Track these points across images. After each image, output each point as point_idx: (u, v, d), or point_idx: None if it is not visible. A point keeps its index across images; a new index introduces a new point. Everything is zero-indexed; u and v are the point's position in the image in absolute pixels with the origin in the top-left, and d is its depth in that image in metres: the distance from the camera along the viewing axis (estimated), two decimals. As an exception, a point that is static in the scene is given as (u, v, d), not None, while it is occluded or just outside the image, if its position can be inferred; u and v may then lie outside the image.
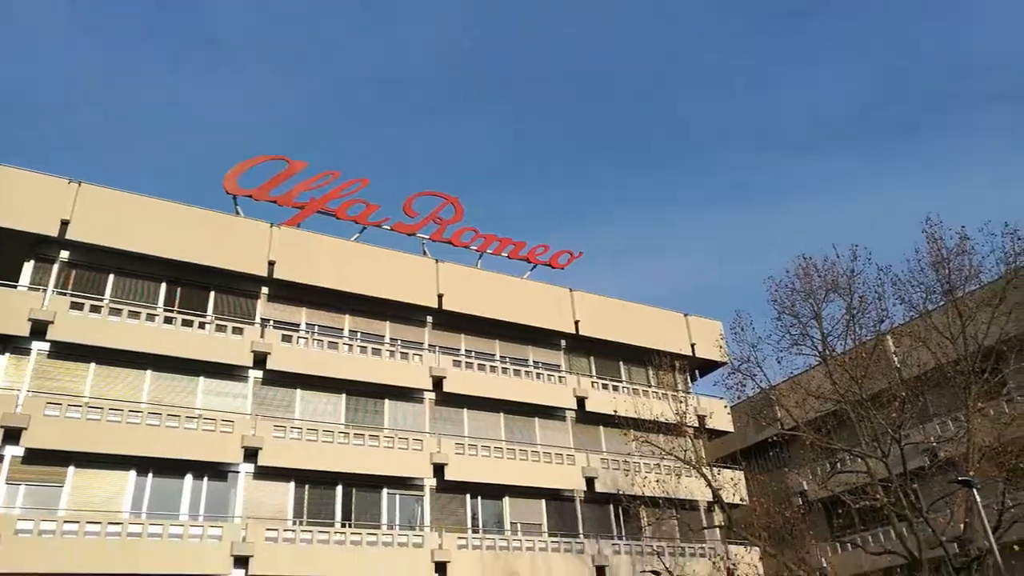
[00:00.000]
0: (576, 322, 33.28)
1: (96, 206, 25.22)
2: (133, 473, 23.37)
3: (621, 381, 34.08)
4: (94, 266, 25.46)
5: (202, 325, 25.99)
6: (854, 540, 26.70)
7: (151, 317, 25.20)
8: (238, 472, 24.82)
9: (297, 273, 27.88)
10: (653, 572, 23.00)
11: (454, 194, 34.57)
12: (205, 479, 24.34)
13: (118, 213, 25.54)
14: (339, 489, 26.29)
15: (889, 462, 20.72)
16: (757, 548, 23.54)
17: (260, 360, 26.30)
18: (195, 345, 25.36)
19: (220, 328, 26.20)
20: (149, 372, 24.95)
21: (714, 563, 25.56)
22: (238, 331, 26.40)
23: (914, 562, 19.77)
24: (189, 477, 24.12)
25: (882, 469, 20.98)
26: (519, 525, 28.92)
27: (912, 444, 22.98)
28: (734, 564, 24.39)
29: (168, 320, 25.51)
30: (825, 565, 27.23)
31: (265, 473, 24.98)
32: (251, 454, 24.64)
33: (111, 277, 25.69)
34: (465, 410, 30.07)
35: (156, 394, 24.76)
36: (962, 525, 20.22)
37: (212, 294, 27.20)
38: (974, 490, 16.73)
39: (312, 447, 25.62)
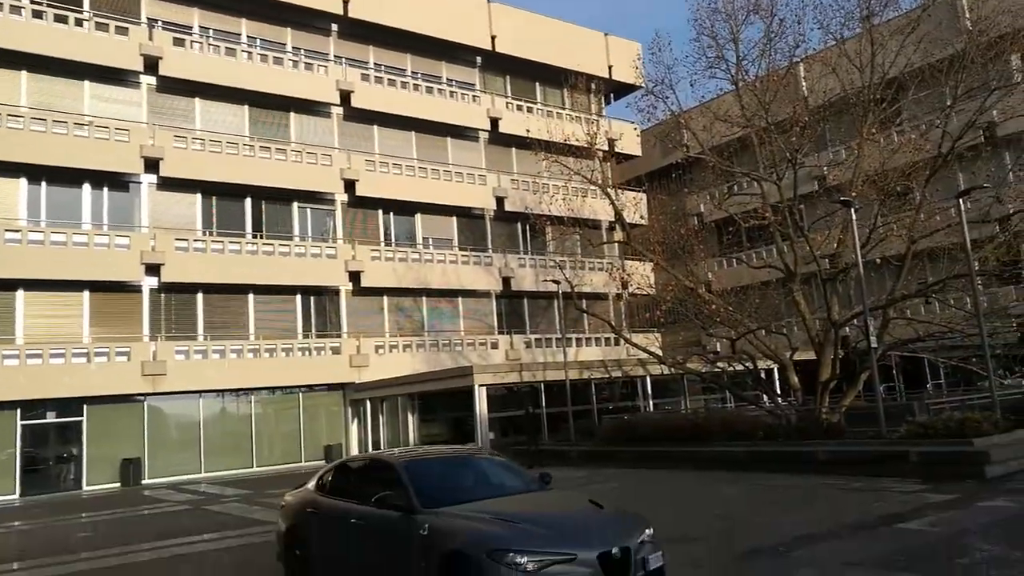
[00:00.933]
0: (493, 37, 31.80)
1: None
2: (24, 181, 22.44)
3: (536, 103, 33.65)
4: (-63, -56, 22.02)
5: (80, 23, 23.52)
6: (739, 257, 29.00)
7: (16, 9, 22.52)
8: (140, 183, 24.18)
9: (182, -35, 24.97)
10: (554, 281, 24.56)
11: None
12: (105, 189, 23.67)
13: None
14: (248, 202, 26.12)
15: (782, 186, 21.80)
16: (651, 262, 25.20)
17: (152, 65, 24.42)
18: (73, 45, 23.13)
19: (101, 27, 23.80)
20: (24, 73, 22.94)
21: (610, 274, 27.46)
22: (122, 31, 24.09)
23: (789, 275, 21.72)
24: (87, 186, 23.37)
25: (775, 192, 22.08)
26: (431, 240, 29.96)
27: (806, 169, 24.07)
28: (628, 275, 26.21)
29: (38, 15, 22.88)
30: (711, 278, 29.66)
31: (169, 184, 24.41)
32: (152, 164, 23.84)
33: (-41, -41, 22.39)
34: (375, 127, 29.39)
35: (37, 98, 22.99)
36: (836, 243, 22.06)
37: (86, -14, 24.32)
38: (852, 211, 17.92)
39: (216, 158, 24.90)
